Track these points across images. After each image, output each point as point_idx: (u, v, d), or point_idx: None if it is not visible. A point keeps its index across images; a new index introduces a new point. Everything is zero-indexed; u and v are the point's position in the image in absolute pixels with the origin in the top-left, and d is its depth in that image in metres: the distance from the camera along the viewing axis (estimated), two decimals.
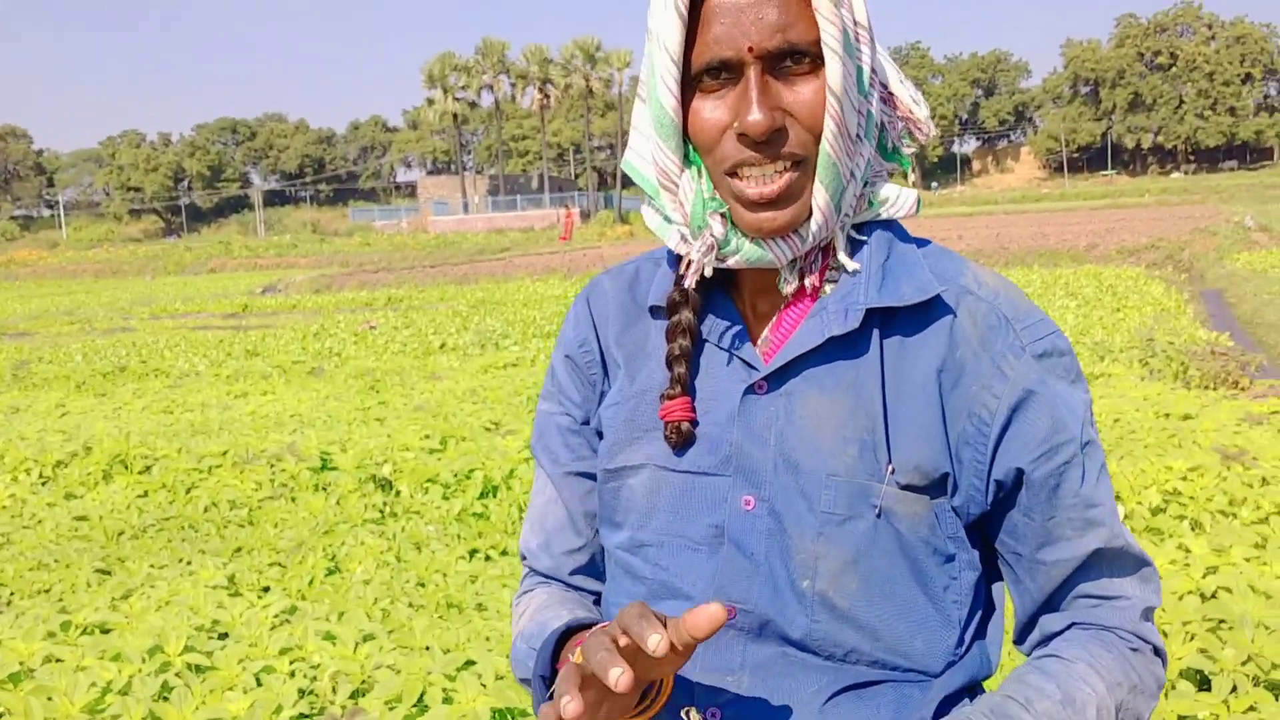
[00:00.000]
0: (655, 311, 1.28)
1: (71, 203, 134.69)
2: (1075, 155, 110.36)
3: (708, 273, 1.17)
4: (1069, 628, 1.19)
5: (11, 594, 5.08)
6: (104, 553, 5.62)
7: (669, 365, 1.22)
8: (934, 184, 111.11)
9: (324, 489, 6.61)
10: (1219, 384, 8.61)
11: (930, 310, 1.17)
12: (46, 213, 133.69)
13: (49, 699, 3.57)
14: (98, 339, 18.20)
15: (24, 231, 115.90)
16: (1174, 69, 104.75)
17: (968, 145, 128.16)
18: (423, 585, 4.93)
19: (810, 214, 1.13)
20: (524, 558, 1.43)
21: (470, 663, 3.83)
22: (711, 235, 1.15)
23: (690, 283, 1.19)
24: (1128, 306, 13.64)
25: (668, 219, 1.21)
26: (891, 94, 1.20)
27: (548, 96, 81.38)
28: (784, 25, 1.07)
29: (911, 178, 1.31)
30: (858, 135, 1.13)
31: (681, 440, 1.21)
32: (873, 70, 1.14)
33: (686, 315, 1.22)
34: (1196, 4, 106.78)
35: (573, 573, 1.37)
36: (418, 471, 6.52)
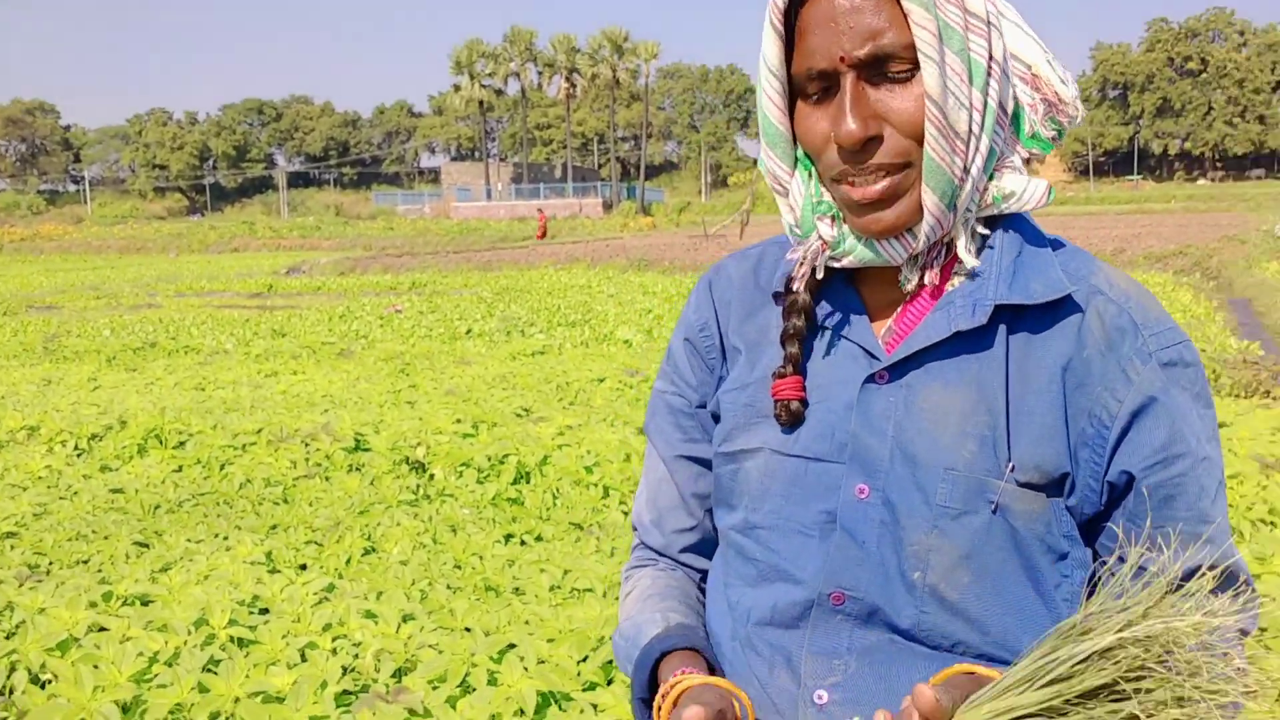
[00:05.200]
0: (778, 298, 1.29)
1: (97, 179, 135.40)
2: (1102, 159, 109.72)
3: (819, 274, 1.20)
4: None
5: (50, 563, 5.12)
6: (141, 525, 5.65)
7: (782, 344, 1.24)
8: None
9: (358, 469, 6.64)
10: (1251, 393, 8.55)
11: (1059, 309, 1.17)
12: (73, 188, 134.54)
13: (96, 667, 3.60)
14: (124, 314, 18.30)
15: (50, 206, 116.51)
16: (1204, 75, 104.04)
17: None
18: (459, 567, 4.95)
19: (921, 214, 1.13)
20: (635, 529, 1.46)
21: (512, 645, 3.84)
22: (820, 237, 1.18)
23: (799, 285, 1.21)
24: None
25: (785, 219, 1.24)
26: (1035, 74, 1.18)
27: (574, 86, 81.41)
28: (875, 32, 1.08)
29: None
30: (970, 131, 1.12)
31: (791, 419, 1.22)
32: (990, 58, 1.12)
33: (804, 297, 1.23)
34: (1229, 9, 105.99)
35: (682, 550, 1.40)
36: (451, 455, 6.54)
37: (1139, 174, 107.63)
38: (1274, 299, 14.53)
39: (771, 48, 1.13)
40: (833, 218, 1.17)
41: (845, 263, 1.18)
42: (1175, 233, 31.05)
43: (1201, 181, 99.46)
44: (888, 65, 1.09)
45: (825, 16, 1.09)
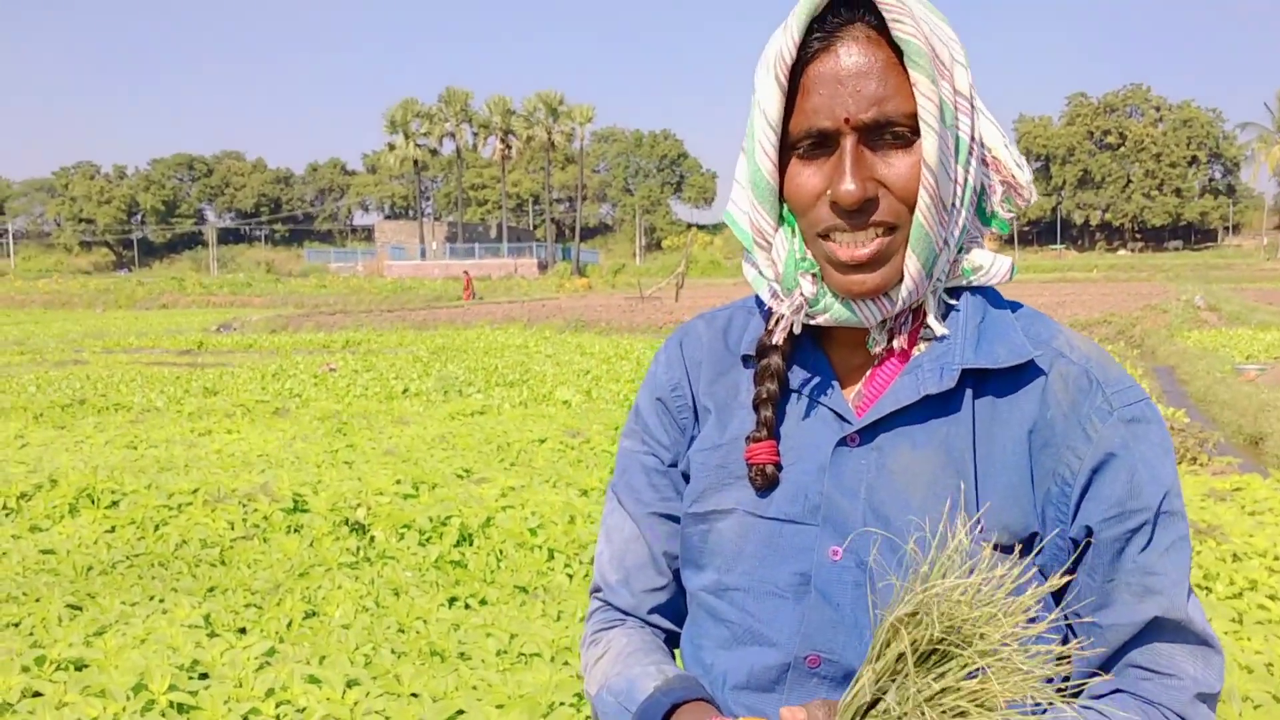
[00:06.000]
0: (747, 360, 1.32)
1: (21, 232, 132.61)
2: (1025, 229, 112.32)
3: (796, 329, 1.22)
4: (1115, 692, 1.18)
5: None
6: (73, 587, 5.51)
7: (755, 409, 1.26)
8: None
9: (297, 531, 6.54)
10: (1179, 459, 8.78)
11: (1023, 372, 1.20)
12: None
13: None
14: (51, 370, 17.89)
15: None
16: (1122, 149, 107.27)
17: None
18: (403, 631, 4.88)
19: (901, 278, 1.17)
20: (597, 590, 1.44)
21: (460, 712, 3.80)
22: (801, 294, 1.19)
23: (778, 338, 1.23)
24: None
25: (761, 273, 1.26)
26: (994, 158, 1.23)
27: (509, 147, 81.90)
28: (881, 98, 1.11)
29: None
30: (953, 205, 1.17)
31: (766, 483, 1.24)
32: (971, 138, 1.18)
33: (775, 361, 1.25)
34: (1145, 86, 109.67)
35: (651, 611, 1.39)
36: (393, 516, 6.47)
37: (1062, 243, 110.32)
38: (1195, 367, 14.94)
39: (772, 101, 1.14)
40: (814, 275, 1.19)
41: (820, 320, 1.21)
42: (1099, 301, 31.88)
43: (1122, 252, 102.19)
44: (887, 130, 1.12)
45: (831, 77, 1.11)
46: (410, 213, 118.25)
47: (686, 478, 1.35)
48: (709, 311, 1.43)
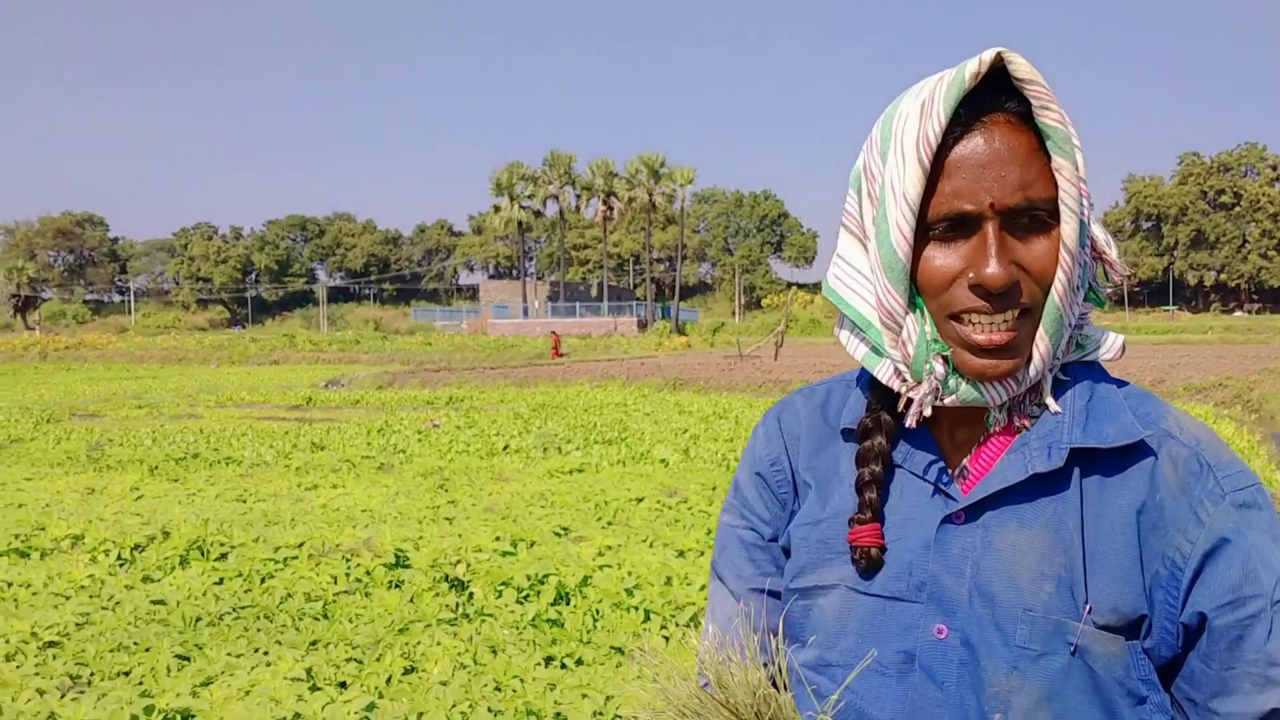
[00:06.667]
0: (847, 434, 1.31)
1: (142, 289, 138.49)
2: (1136, 289, 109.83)
3: (927, 412, 1.21)
4: None
5: (92, 674, 5.12)
6: (182, 638, 5.65)
7: (859, 490, 1.26)
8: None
9: (398, 586, 6.62)
10: None
11: (1132, 453, 1.18)
12: (118, 298, 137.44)
13: None
14: (166, 424, 18.51)
15: (95, 315, 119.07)
16: (1237, 208, 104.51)
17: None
18: (500, 690, 4.90)
19: (1030, 359, 1.17)
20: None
21: None
22: (935, 378, 1.19)
23: (911, 422, 1.22)
24: None
25: (876, 350, 1.25)
26: (1092, 235, 1.23)
27: (611, 208, 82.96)
28: (1025, 184, 1.12)
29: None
30: (1077, 285, 1.18)
31: (870, 566, 1.23)
32: (1088, 220, 1.19)
33: (879, 441, 1.25)
34: (1261, 144, 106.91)
35: None
36: (491, 573, 6.52)
37: (1174, 304, 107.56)
38: None
39: (913, 183, 1.13)
40: (945, 358, 1.19)
41: (948, 402, 1.20)
42: (1213, 364, 30.89)
43: (1238, 313, 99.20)
44: (1028, 214, 1.13)
45: (976, 162, 1.12)
46: (514, 272, 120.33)
47: (787, 553, 1.35)
48: (806, 386, 1.44)
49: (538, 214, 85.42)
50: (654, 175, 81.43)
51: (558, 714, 4.57)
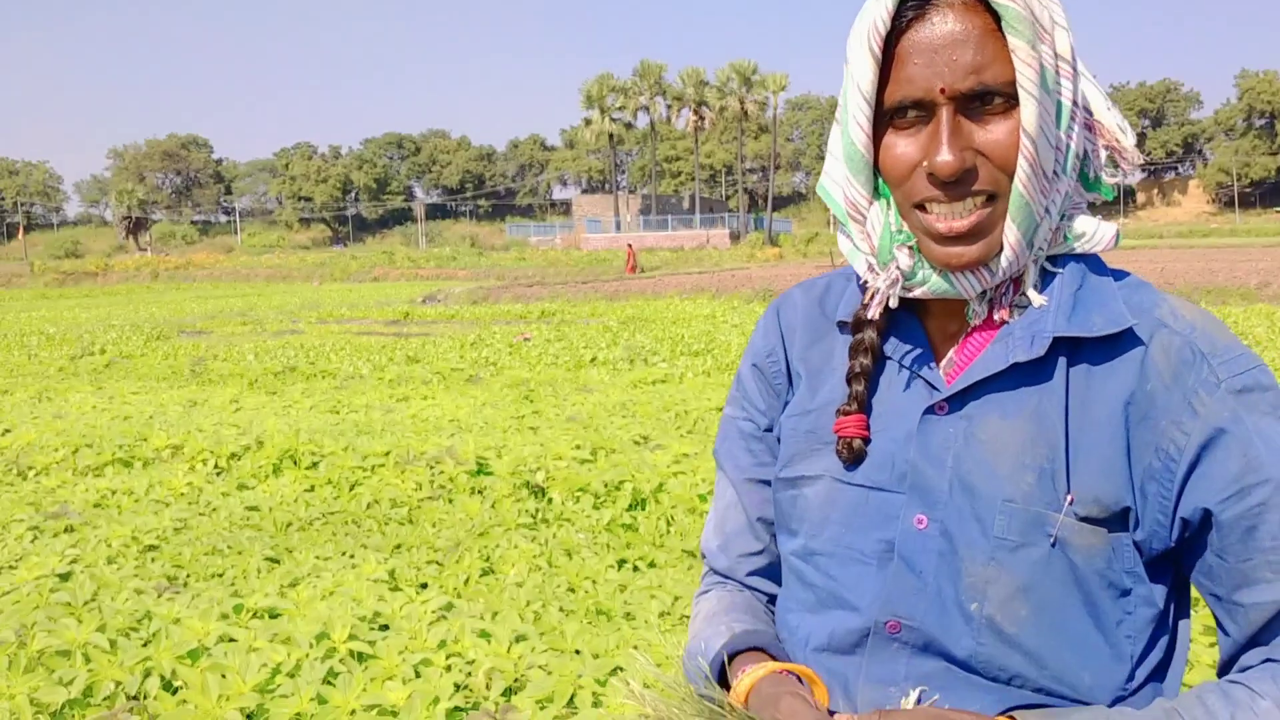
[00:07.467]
0: (843, 326, 1.31)
1: (246, 210, 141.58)
2: (1247, 190, 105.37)
3: (893, 303, 1.20)
4: (1265, 662, 1.13)
5: (188, 576, 5.37)
6: (273, 542, 5.89)
7: (848, 382, 1.25)
8: (1097, 216, 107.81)
9: (480, 492, 6.79)
10: None
11: (1120, 342, 1.16)
12: (223, 219, 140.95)
13: (223, 676, 3.77)
14: (268, 340, 19.06)
15: (203, 236, 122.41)
16: None
17: (1133, 177, 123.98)
18: (573, 591, 5.03)
19: (1001, 249, 1.14)
20: (704, 556, 1.47)
21: (619, 669, 3.89)
22: (898, 267, 1.18)
23: (873, 312, 1.21)
24: None
25: (856, 246, 1.25)
26: (1097, 121, 1.19)
27: (702, 119, 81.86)
28: (978, 66, 1.08)
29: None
30: (1054, 172, 1.14)
31: (853, 457, 1.23)
32: (1074, 102, 1.14)
33: (870, 335, 1.24)
34: None
35: (749, 574, 1.41)
36: (569, 480, 6.64)
37: None
38: None
39: (866, 73, 1.12)
40: (910, 248, 1.17)
41: (917, 293, 1.19)
42: None
43: None
44: (984, 100, 1.10)
45: (927, 46, 1.09)
46: (606, 186, 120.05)
47: (781, 443, 1.36)
48: (809, 280, 1.43)
49: (629, 126, 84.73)
50: (746, 83, 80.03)
51: (627, 613, 4.68)
